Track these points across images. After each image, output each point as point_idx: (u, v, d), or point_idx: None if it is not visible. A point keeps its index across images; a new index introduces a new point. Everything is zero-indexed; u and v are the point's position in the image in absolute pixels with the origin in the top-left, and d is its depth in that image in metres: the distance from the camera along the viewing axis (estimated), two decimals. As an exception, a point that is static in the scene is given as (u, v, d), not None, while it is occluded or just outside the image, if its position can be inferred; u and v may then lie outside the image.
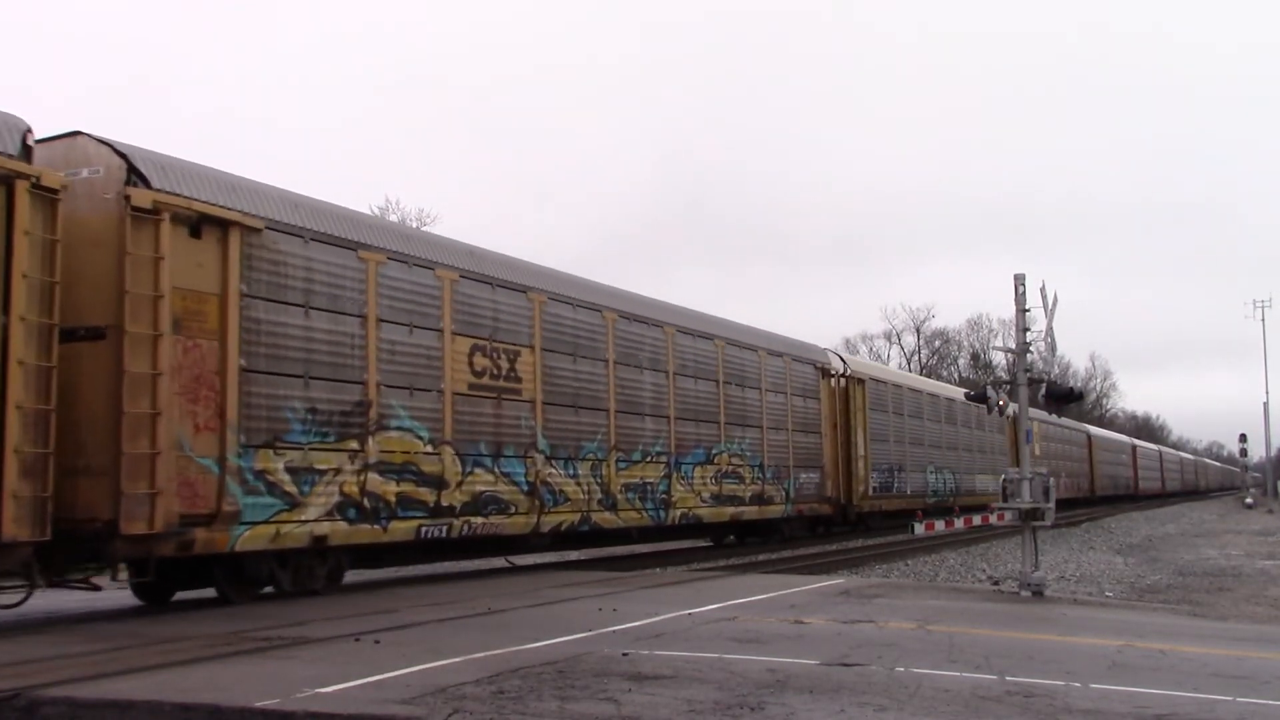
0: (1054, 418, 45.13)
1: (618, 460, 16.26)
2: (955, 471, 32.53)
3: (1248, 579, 18.16)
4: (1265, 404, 64.67)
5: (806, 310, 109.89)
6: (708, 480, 18.81)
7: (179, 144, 67.74)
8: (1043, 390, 14.47)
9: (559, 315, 15.34)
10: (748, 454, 20.33)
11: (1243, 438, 70.96)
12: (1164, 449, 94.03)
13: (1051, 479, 13.02)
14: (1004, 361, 63.73)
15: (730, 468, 19.63)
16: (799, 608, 10.22)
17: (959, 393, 34.44)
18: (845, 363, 26.14)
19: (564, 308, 15.50)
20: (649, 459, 17.18)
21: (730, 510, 19.62)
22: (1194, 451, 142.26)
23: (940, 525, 14.96)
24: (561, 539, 15.78)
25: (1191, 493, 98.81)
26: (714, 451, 19.12)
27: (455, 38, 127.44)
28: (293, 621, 9.08)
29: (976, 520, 14.69)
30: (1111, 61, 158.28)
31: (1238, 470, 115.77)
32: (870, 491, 25.97)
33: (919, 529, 14.81)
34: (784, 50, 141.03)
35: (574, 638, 7.96)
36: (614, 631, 8.42)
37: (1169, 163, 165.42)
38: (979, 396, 14.76)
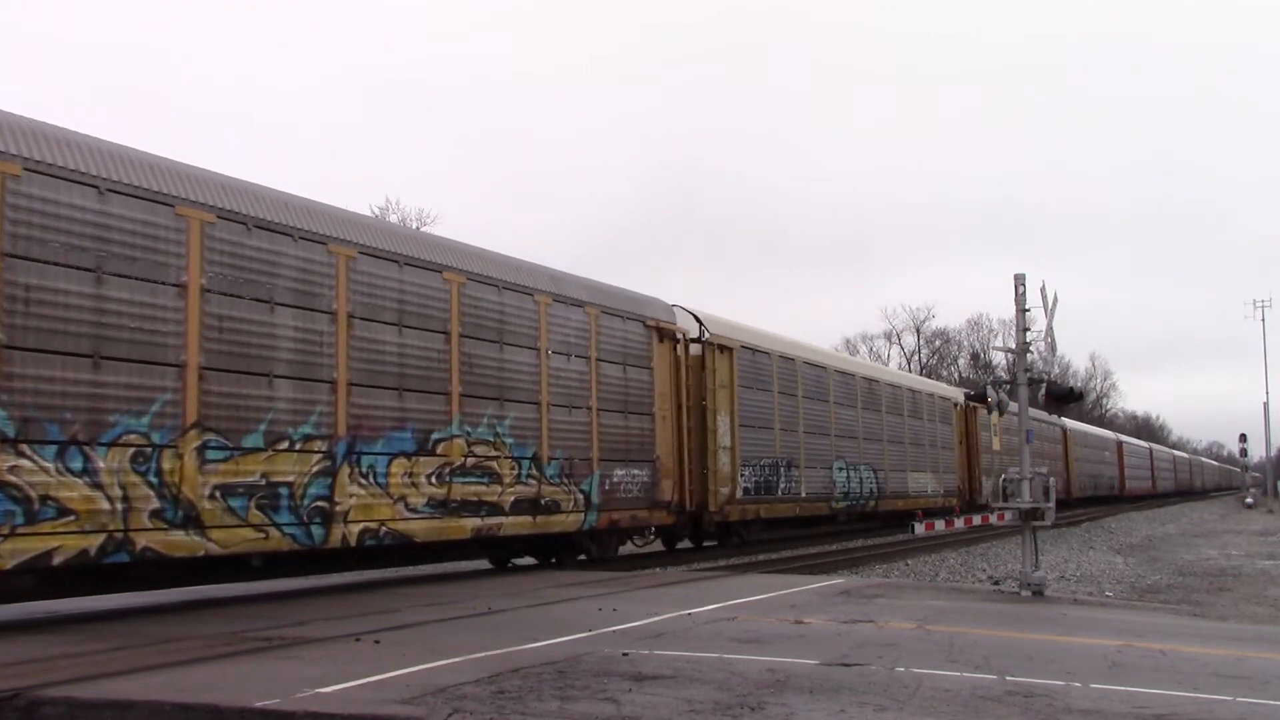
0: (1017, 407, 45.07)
1: (205, 446, 10.16)
2: (878, 469, 26.65)
3: (1248, 579, 18.16)
4: (1265, 404, 64.75)
5: (807, 310, 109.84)
6: (422, 479, 12.72)
7: (177, 143, 67.75)
8: (1043, 390, 14.48)
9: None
10: (509, 441, 14.13)
11: (1243, 438, 71.09)
12: (1154, 446, 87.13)
13: (1053, 479, 12.99)
14: (1004, 361, 63.79)
15: (471, 460, 13.46)
16: (799, 608, 10.21)
17: (889, 371, 30.44)
18: (702, 323, 19.28)
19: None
20: (285, 445, 11.00)
21: (473, 523, 13.43)
22: (1193, 451, 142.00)
23: (940, 525, 14.95)
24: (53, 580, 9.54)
25: (1186, 493, 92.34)
26: (436, 437, 13.00)
27: (445, 39, 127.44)
28: (293, 621, 9.09)
29: (976, 520, 14.69)
30: (1112, 62, 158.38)
31: (1236, 470, 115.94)
32: (740, 494, 19.80)
33: (919, 529, 14.80)
34: (781, 50, 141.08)
35: (574, 638, 7.96)
36: (614, 631, 8.42)
37: (1169, 163, 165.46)
38: (979, 396, 14.76)
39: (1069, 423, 52.30)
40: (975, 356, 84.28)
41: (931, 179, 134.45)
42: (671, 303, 18.97)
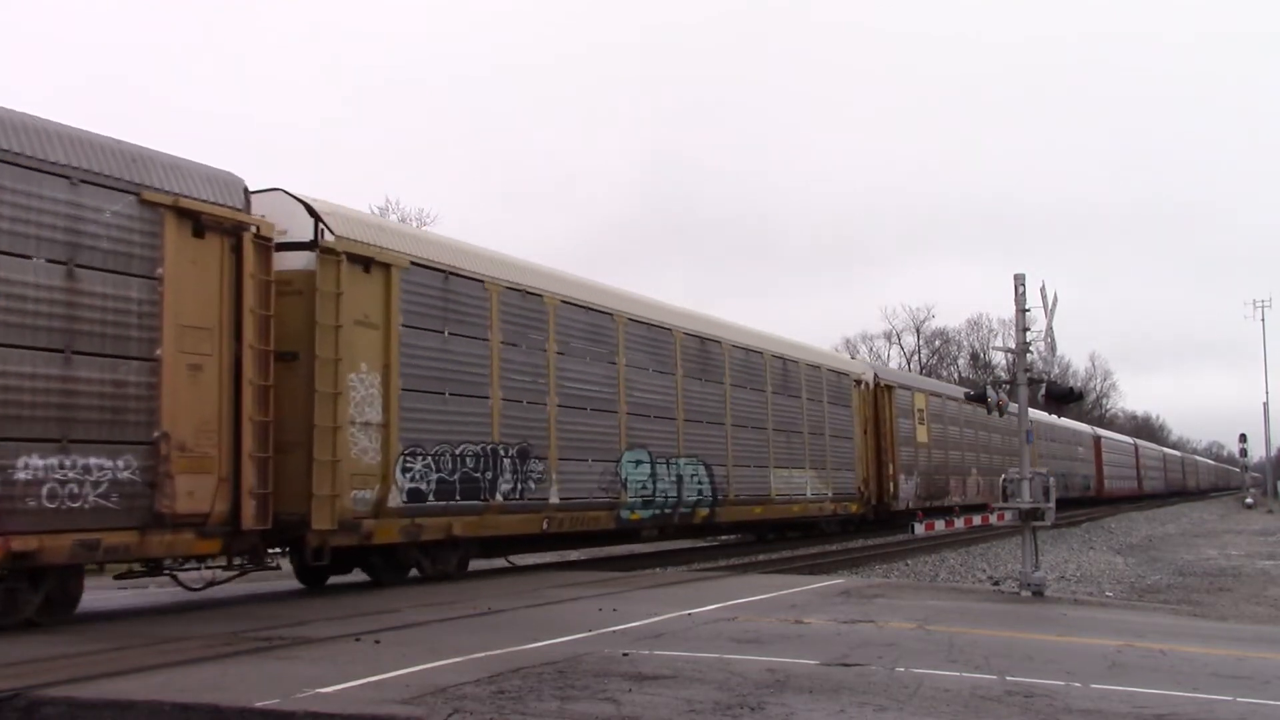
0: (960, 390, 36.86)
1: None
2: (716, 463, 19.03)
3: (1248, 579, 18.16)
4: (1265, 404, 64.72)
5: (806, 311, 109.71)
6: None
7: (177, 143, 67.69)
8: (1043, 390, 14.48)
9: None
10: None
11: (1243, 437, 71.05)
12: (1141, 443, 77.46)
13: (1053, 479, 13.00)
14: (1004, 361, 63.56)
15: None
16: (799, 608, 10.22)
17: (742, 329, 21.21)
18: (320, 218, 11.71)
19: None
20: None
21: None
22: (1192, 451, 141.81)
23: (940, 525, 14.95)
24: None
25: (1179, 494, 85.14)
26: None
27: (439, 37, 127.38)
28: (293, 621, 9.09)
29: (976, 520, 14.69)
30: (1112, 61, 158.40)
31: (1235, 470, 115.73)
32: (402, 499, 12.23)
33: (919, 529, 14.81)
34: (779, 48, 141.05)
35: (574, 638, 7.96)
36: (614, 631, 8.42)
37: (1170, 162, 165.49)
38: (979, 396, 14.76)
39: (1034, 413, 50.12)
40: (975, 356, 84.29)
41: (931, 179, 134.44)
42: (274, 188, 11.67)
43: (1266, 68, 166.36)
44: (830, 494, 23.86)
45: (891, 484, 27.22)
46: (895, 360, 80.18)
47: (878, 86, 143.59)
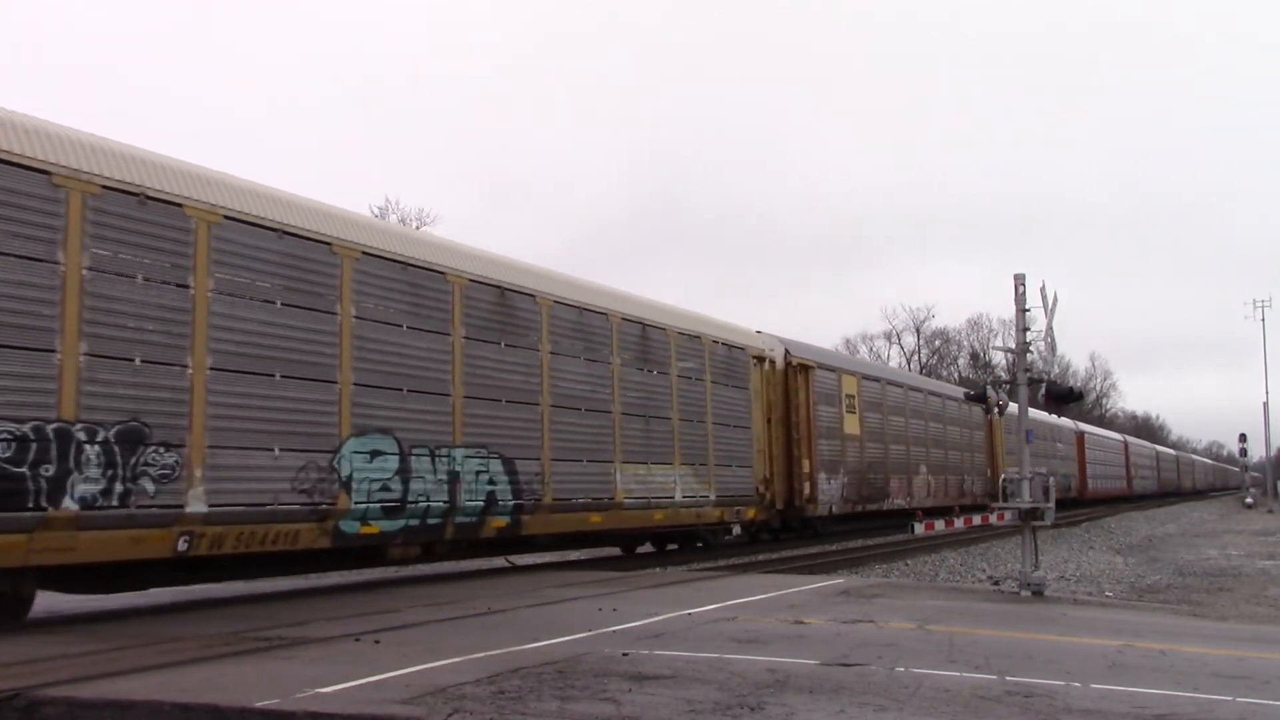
0: (909, 376, 34.24)
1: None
2: (517, 456, 14.16)
3: (1248, 579, 18.16)
4: (1265, 404, 64.65)
5: (806, 310, 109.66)
6: None
7: (174, 142, 67.78)
8: (1043, 390, 14.48)
9: None
10: None
11: (1243, 437, 70.97)
12: (1132, 440, 72.18)
13: (1053, 479, 13.00)
14: (1004, 361, 63.45)
15: None
16: (799, 608, 10.22)
17: (555, 279, 15.87)
18: None
19: None
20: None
21: None
22: (1192, 450, 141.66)
23: (940, 525, 14.96)
24: None
25: (1173, 495, 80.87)
26: None
27: (433, 36, 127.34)
28: (293, 621, 9.09)
29: (976, 520, 14.70)
30: (1112, 61, 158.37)
31: (1234, 469, 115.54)
32: None
33: (919, 529, 14.82)
34: (777, 48, 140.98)
35: (574, 638, 7.96)
36: (614, 631, 8.42)
37: (1170, 162, 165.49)
38: (979, 396, 14.76)
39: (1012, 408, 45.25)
40: (975, 356, 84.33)
41: (931, 179, 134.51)
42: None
43: (1267, 67, 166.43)
44: (713, 496, 18.84)
45: (807, 484, 22.40)
46: (895, 360, 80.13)
47: (877, 85, 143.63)
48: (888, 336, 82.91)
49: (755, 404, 20.80)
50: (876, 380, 28.11)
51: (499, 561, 16.63)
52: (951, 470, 32.52)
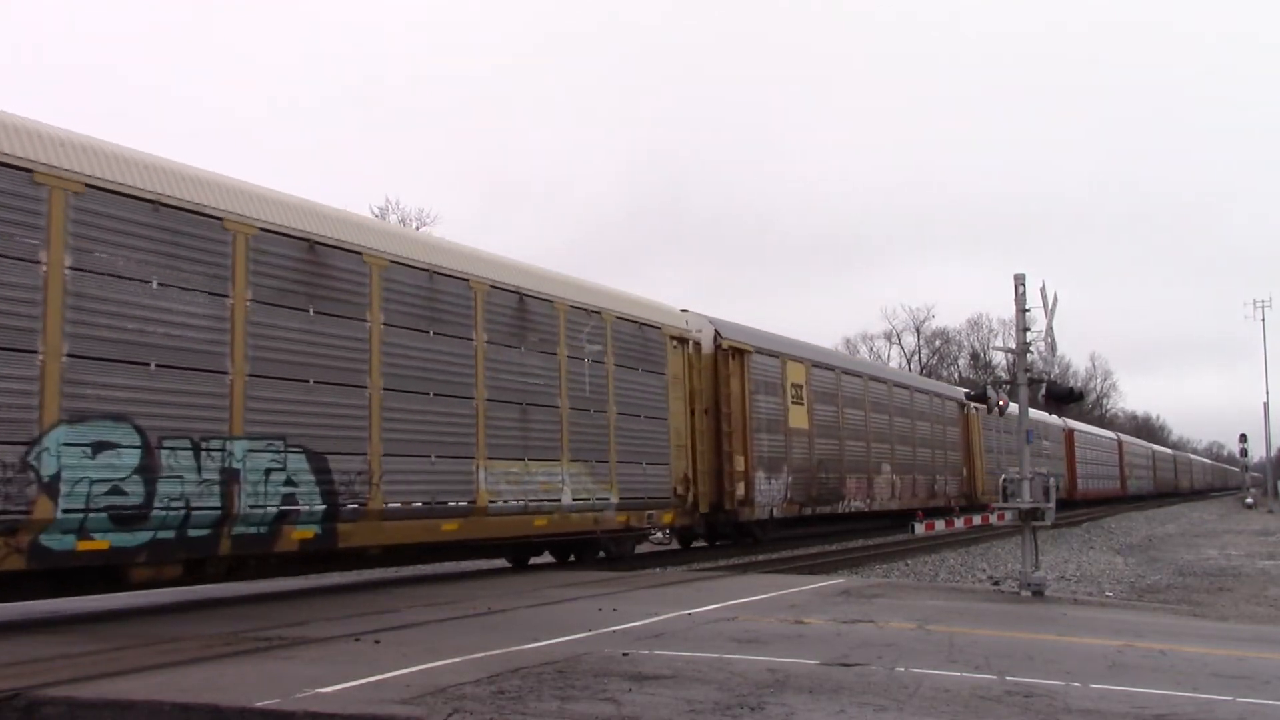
0: (871, 366, 31.43)
1: None
2: (330, 450, 11.42)
3: (1248, 579, 18.16)
4: (1265, 404, 64.65)
5: (806, 310, 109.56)
6: None
7: (172, 140, 67.78)
8: (1043, 390, 14.49)
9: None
10: None
11: (1243, 437, 70.99)
12: (1125, 438, 68.33)
13: (1053, 479, 13.00)
14: (1004, 361, 63.28)
15: None
16: (799, 608, 10.22)
17: (399, 236, 13.70)
18: None
19: None
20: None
21: None
22: (1193, 450, 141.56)
23: (940, 525, 14.97)
24: None
25: (1170, 496, 78.36)
26: None
27: (425, 35, 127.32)
28: (293, 621, 9.09)
29: (976, 520, 14.70)
30: (1112, 61, 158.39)
31: (1234, 469, 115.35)
32: None
33: (919, 529, 14.81)
34: (776, 49, 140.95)
35: (574, 638, 7.96)
36: (614, 631, 8.42)
37: (1170, 162, 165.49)
38: (979, 396, 14.77)
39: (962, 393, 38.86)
40: (975, 356, 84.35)
41: (930, 179, 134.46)
42: None
43: (1266, 67, 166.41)
44: (615, 499, 15.95)
45: (741, 484, 19.80)
46: (895, 360, 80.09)
47: (877, 85, 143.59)
48: (888, 336, 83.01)
49: (674, 392, 17.63)
50: (830, 369, 25.25)
51: (499, 562, 16.64)
52: (921, 469, 29.95)
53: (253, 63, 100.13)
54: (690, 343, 18.57)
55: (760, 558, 19.29)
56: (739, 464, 19.91)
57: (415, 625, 8.93)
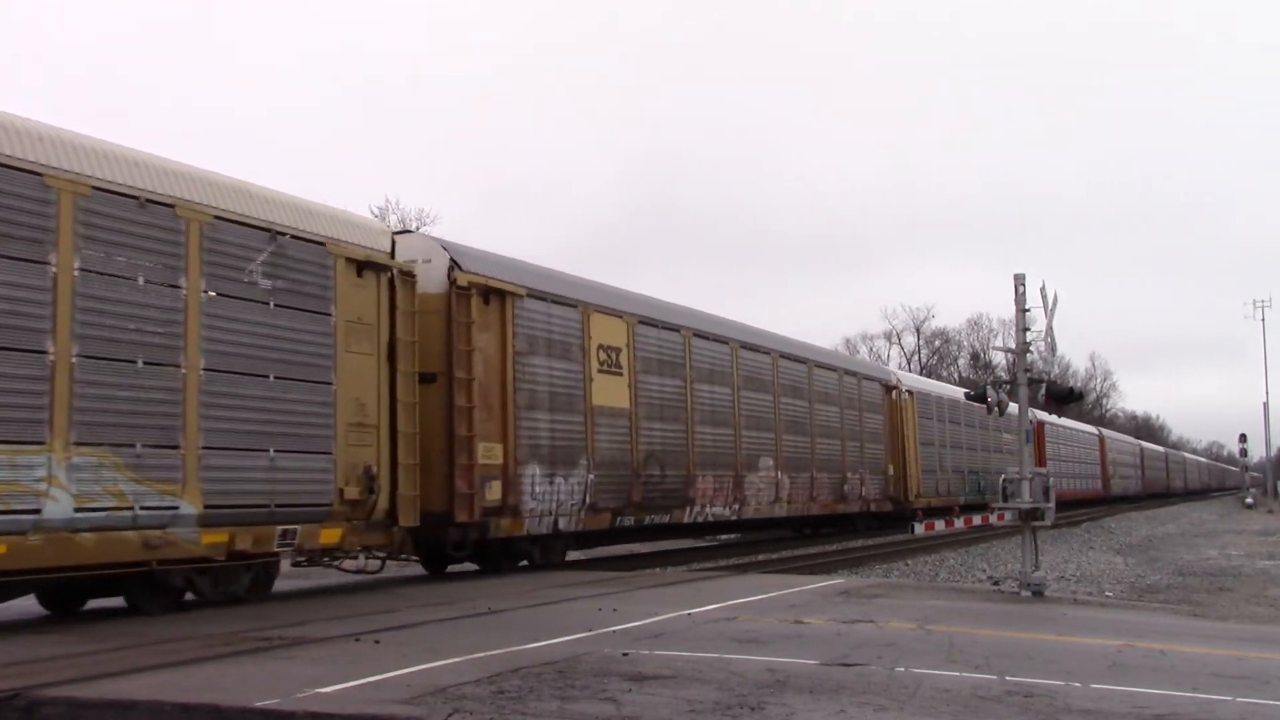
0: (743, 329, 21.22)
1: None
2: None
3: (1248, 579, 18.17)
4: (1265, 404, 64.73)
5: (806, 310, 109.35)
6: None
7: (171, 139, 67.73)
8: (1043, 390, 14.48)
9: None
10: None
11: (1243, 438, 71.14)
12: (1109, 433, 62.24)
13: (1051, 479, 12.98)
14: (1004, 361, 63.14)
15: None
16: (799, 608, 10.22)
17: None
18: None
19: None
20: None
21: None
22: (1193, 450, 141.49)
23: (940, 525, 14.97)
24: None
25: (1160, 497, 72.77)
26: None
27: (421, 34, 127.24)
28: (293, 621, 9.09)
29: (976, 520, 14.70)
30: (1112, 60, 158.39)
31: (1232, 469, 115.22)
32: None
33: (919, 529, 14.82)
34: (775, 49, 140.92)
35: (574, 638, 7.96)
36: (614, 631, 8.42)
37: (1171, 161, 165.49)
38: (979, 396, 14.76)
39: (913, 380, 32.61)
40: (975, 356, 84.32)
41: (930, 179, 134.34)
42: None
43: (1266, 67, 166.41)
44: (195, 509, 9.97)
45: (496, 485, 13.92)
46: (895, 361, 80.00)
47: (875, 85, 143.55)
48: (888, 336, 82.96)
49: (352, 343, 11.85)
50: (672, 328, 18.17)
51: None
52: (824, 466, 23.40)
53: (252, 63, 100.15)
54: (390, 273, 12.45)
55: (760, 558, 19.29)
56: (489, 454, 13.83)
57: (415, 625, 8.93)
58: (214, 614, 9.97)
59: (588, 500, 15.66)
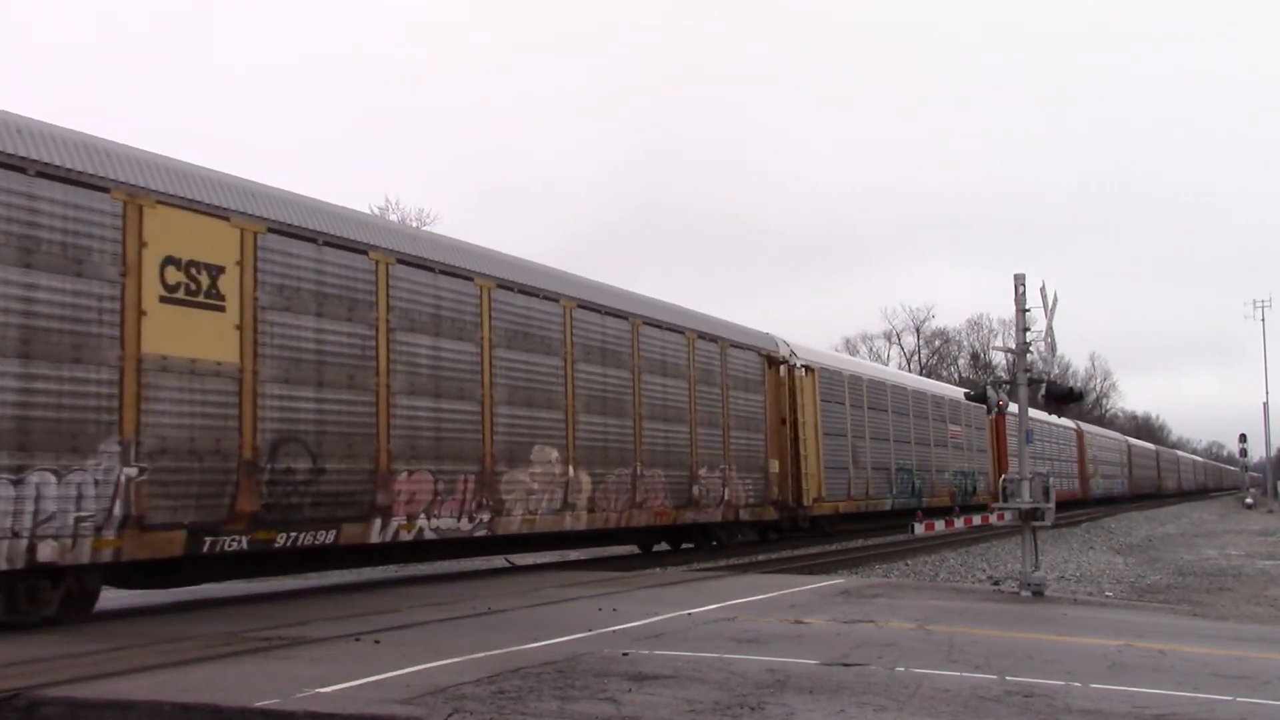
0: (464, 249, 13.80)
1: None
2: None
3: (1248, 579, 18.16)
4: (1265, 404, 64.70)
5: (805, 310, 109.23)
6: None
7: (169, 139, 67.72)
8: (1042, 390, 14.48)
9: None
10: None
11: (1243, 438, 71.06)
12: (1090, 428, 56.15)
13: (1052, 480, 12.99)
14: (1004, 361, 63.01)
15: None
16: (799, 607, 10.22)
17: None
18: None
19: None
20: None
21: None
22: (1193, 450, 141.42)
23: (940, 525, 14.96)
24: None
25: (1150, 498, 69.14)
26: None
27: (416, 34, 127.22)
28: (293, 621, 9.09)
29: (976, 520, 14.70)
30: (1111, 61, 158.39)
31: (1230, 469, 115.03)
32: None
33: (919, 529, 14.81)
34: (775, 49, 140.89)
35: (574, 638, 7.96)
36: (614, 631, 8.42)
37: (1171, 161, 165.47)
38: (979, 396, 14.76)
39: (815, 354, 24.81)
40: (975, 356, 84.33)
41: (930, 179, 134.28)
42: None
43: (1266, 67, 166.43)
44: None
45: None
46: (895, 361, 79.97)
47: (875, 84, 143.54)
48: (888, 337, 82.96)
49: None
50: (352, 248, 12.12)
51: (499, 561, 16.63)
52: (662, 460, 17.59)
53: (251, 63, 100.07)
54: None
55: (760, 558, 19.29)
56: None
57: (415, 625, 8.93)
58: (214, 614, 9.97)
59: (127, 511, 9.45)
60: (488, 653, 7.17)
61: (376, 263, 12.36)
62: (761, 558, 19.32)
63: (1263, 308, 67.72)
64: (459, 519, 13.25)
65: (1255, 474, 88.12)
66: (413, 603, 10.68)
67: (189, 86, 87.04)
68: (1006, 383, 14.24)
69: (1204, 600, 14.79)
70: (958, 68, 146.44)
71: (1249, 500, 62.30)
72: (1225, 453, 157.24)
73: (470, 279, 13.79)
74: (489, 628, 8.78)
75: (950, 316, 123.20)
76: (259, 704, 5.48)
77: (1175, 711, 5.75)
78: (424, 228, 38.53)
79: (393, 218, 40.31)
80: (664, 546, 20.39)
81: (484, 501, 13.65)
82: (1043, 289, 12.84)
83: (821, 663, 6.97)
